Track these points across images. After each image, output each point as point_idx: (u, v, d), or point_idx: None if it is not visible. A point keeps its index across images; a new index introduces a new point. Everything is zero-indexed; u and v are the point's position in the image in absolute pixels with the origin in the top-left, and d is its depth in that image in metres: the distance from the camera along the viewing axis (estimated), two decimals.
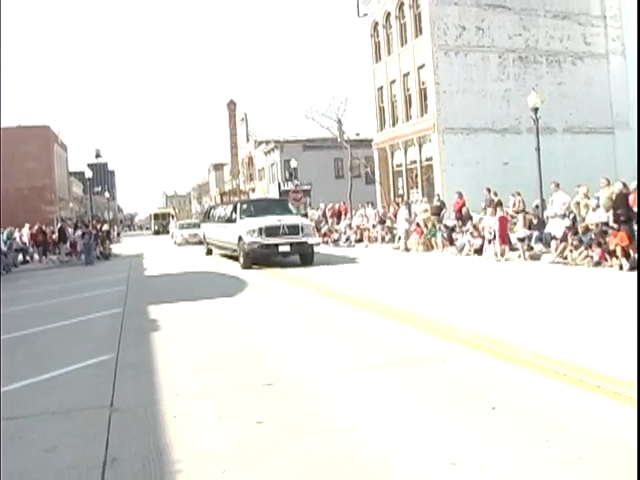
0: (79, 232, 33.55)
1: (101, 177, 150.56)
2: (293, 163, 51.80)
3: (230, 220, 23.58)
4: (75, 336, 10.47)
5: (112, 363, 8.10)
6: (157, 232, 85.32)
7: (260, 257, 21.21)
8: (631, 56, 38.02)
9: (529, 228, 20.70)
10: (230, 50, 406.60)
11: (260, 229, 20.70)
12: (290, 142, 65.32)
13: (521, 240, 19.98)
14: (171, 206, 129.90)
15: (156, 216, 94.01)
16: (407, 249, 25.25)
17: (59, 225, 40.29)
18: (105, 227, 43.16)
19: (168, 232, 67.00)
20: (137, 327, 10.92)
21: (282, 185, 63.06)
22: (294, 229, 21.04)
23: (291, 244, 20.84)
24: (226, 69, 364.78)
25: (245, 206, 23.98)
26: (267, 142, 71.44)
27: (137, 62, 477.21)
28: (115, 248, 42.42)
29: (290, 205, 25.96)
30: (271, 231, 20.73)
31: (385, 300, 12.36)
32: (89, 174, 43.59)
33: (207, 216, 31.51)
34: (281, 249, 20.82)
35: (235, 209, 23.67)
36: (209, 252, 29.46)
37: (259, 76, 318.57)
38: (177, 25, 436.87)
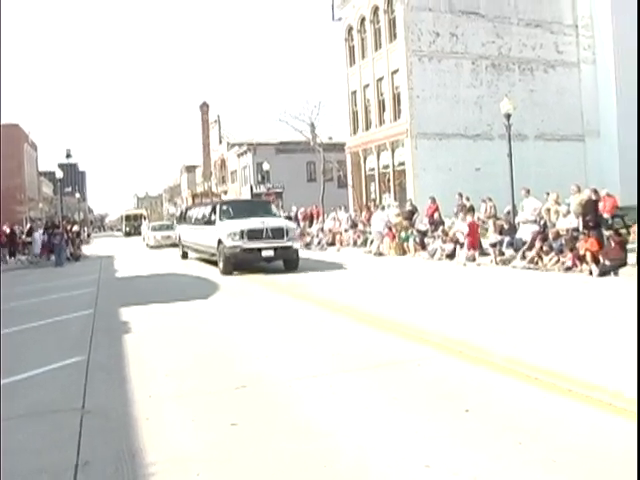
0: (40, 231, 33.32)
1: (72, 177, 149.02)
2: (265, 166, 51.70)
3: (209, 222, 21.95)
4: (46, 338, 10.36)
5: (83, 365, 8.03)
6: (128, 234, 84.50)
7: (241, 262, 19.79)
8: (602, 65, 38.55)
9: (500, 233, 20.83)
10: (204, 52, 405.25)
11: (242, 232, 19.36)
12: (263, 145, 65.24)
13: (492, 245, 20.13)
14: (143, 207, 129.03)
15: (127, 217, 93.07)
16: (380, 253, 25.17)
17: (29, 226, 39.85)
18: (75, 228, 42.71)
19: (140, 234, 66.38)
20: (109, 329, 10.85)
21: (254, 188, 63.03)
22: (278, 232, 19.78)
23: (275, 248, 19.58)
24: (199, 71, 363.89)
25: (225, 207, 22.32)
26: (240, 144, 71.35)
27: (109, 62, 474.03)
28: (85, 249, 42.05)
29: (273, 207, 24.79)
30: (253, 234, 19.44)
31: (359, 304, 12.37)
32: (59, 174, 43.11)
33: (183, 217, 29.88)
34: (264, 254, 19.55)
35: (214, 210, 22.05)
36: (184, 256, 28.00)
37: (233, 78, 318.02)
38: (150, 26, 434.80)
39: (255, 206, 24.87)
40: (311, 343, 8.98)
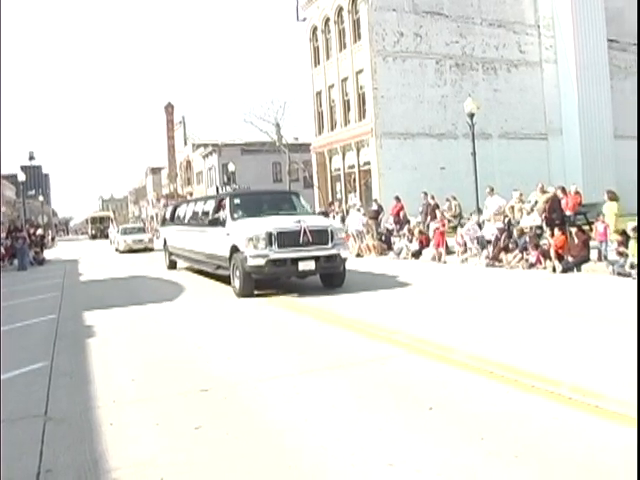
0: (2, 235, 32.88)
1: (35, 180, 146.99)
2: (231, 167, 51.60)
3: (215, 222, 16.13)
4: (8, 344, 10.17)
5: (46, 371, 7.92)
6: (94, 237, 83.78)
7: (268, 279, 14.88)
8: (563, 65, 38.99)
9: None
10: (168, 52, 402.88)
11: (269, 235, 13.89)
12: (228, 146, 65.20)
13: (458, 243, 20.32)
14: (109, 210, 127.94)
15: (93, 220, 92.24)
16: (358, 254, 24.35)
17: None
18: (39, 232, 42.14)
19: (106, 237, 65.73)
20: (73, 333, 10.71)
21: (220, 189, 62.79)
22: (321, 236, 14.32)
23: (317, 258, 14.13)
24: (164, 71, 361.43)
25: (238, 201, 16.48)
26: (205, 145, 71.20)
27: (72, 63, 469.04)
28: (50, 253, 41.51)
29: (301, 200, 17.77)
30: (286, 239, 14.00)
31: (322, 305, 12.43)
32: (22, 177, 42.55)
33: (171, 217, 23.65)
34: (302, 267, 14.03)
35: (222, 205, 16.44)
36: (172, 265, 22.84)
37: (197, 79, 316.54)
38: (114, 25, 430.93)
39: (277, 199, 18.37)
40: (275, 343, 8.97)
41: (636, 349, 6.84)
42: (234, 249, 14.59)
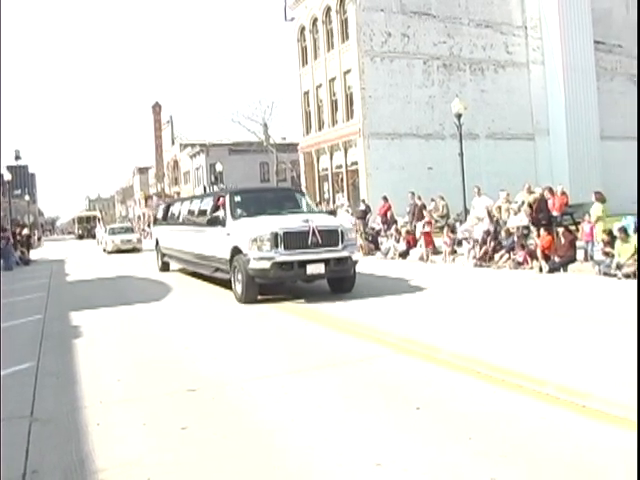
0: None
1: (21, 180, 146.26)
2: (219, 167, 51.47)
3: (214, 221, 14.92)
4: None
5: (32, 371, 7.87)
6: (81, 237, 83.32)
7: (274, 283, 13.68)
8: (550, 66, 39.15)
9: (452, 232, 21.04)
10: (156, 51, 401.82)
11: (275, 236, 12.76)
12: (216, 145, 65.12)
13: (445, 243, 20.37)
14: (96, 209, 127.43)
15: (80, 219, 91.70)
16: None
17: None
18: (25, 231, 41.86)
19: (93, 236, 65.36)
20: (59, 334, 10.66)
21: (207, 189, 62.68)
22: (330, 236, 13.21)
23: (326, 261, 13.01)
24: (151, 71, 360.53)
25: (239, 198, 15.28)
26: (192, 145, 71.09)
27: (59, 62, 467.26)
28: (36, 253, 41.24)
29: (306, 198, 16.85)
30: (294, 240, 12.87)
31: (309, 305, 12.46)
32: (8, 177, 42.35)
33: (164, 216, 22.36)
34: (311, 270, 12.86)
35: (220, 203, 15.23)
36: (165, 267, 21.61)
37: (185, 78, 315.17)
38: (102, 24, 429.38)
39: (280, 196, 17.35)
40: (263, 343, 8.96)
41: (637, 351, 6.83)
42: (235, 251, 13.49)
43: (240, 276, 13.17)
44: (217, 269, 15.14)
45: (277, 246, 12.68)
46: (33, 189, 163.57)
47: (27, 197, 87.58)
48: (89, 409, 6.17)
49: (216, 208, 15.32)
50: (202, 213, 16.73)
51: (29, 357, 8.70)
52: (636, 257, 13.88)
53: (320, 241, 12.88)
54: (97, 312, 12.90)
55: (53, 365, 8.24)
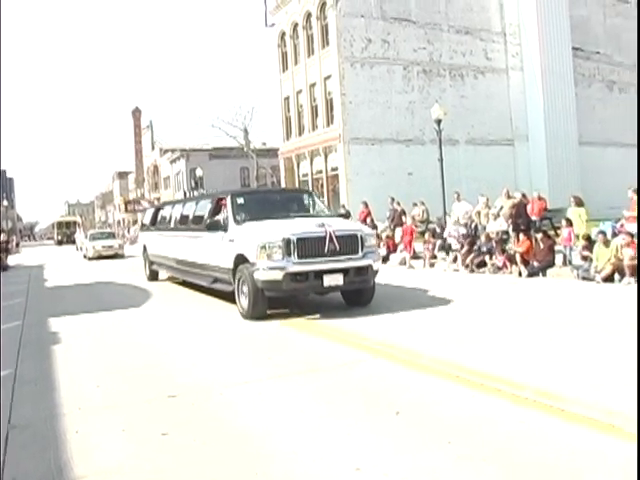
0: None
1: None
2: (199, 172, 51.41)
3: (214, 226, 13.00)
4: None
5: (10, 378, 7.78)
6: (60, 242, 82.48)
7: (286, 296, 12.18)
8: (529, 72, 39.40)
9: (432, 237, 21.12)
10: (136, 56, 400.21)
11: (288, 243, 11.06)
12: (196, 151, 65.05)
13: (427, 249, 20.44)
14: (76, 214, 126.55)
15: (59, 225, 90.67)
16: None
17: None
18: (3, 237, 41.41)
19: (73, 242, 64.76)
20: (38, 340, 10.56)
21: (188, 194, 62.55)
22: (350, 243, 11.52)
23: (345, 271, 11.35)
24: (131, 75, 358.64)
25: (242, 200, 13.42)
26: (173, 150, 70.90)
27: (37, 66, 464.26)
28: (14, 259, 40.82)
29: (317, 200, 15.13)
30: (309, 247, 11.18)
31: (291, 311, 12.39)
32: None
33: (152, 220, 20.20)
34: (328, 282, 11.23)
35: (222, 206, 13.44)
36: (153, 276, 19.80)
37: (165, 84, 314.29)
38: (82, 28, 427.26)
39: (287, 198, 15.46)
40: (243, 349, 8.94)
41: (637, 355, 6.84)
42: (240, 259, 11.79)
43: (246, 288, 11.50)
44: (216, 280, 13.43)
45: (290, 254, 11.03)
46: (11, 194, 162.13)
47: (5, 202, 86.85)
48: (68, 416, 6.13)
49: (216, 211, 13.59)
50: (198, 217, 14.83)
51: (7, 364, 8.58)
52: (613, 261, 14.01)
53: (338, 248, 11.25)
54: (77, 318, 12.78)
55: (32, 372, 8.16)
